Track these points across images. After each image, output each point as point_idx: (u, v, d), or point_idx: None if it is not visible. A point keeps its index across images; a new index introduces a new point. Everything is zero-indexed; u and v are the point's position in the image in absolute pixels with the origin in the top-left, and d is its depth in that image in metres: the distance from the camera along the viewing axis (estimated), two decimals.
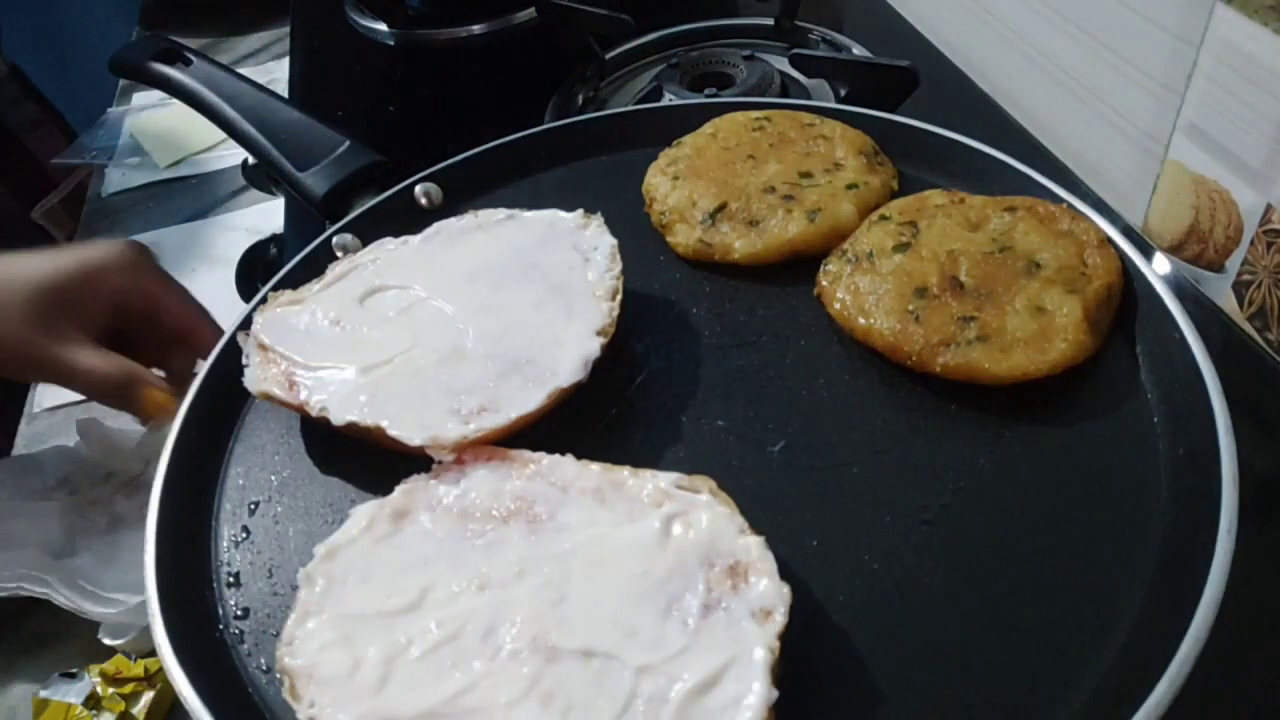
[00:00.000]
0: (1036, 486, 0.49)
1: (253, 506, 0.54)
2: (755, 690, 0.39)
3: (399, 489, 0.49)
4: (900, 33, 1.07)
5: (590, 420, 0.55)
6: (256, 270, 0.91)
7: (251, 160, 0.90)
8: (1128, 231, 0.66)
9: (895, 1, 1.10)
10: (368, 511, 0.48)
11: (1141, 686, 0.38)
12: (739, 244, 0.62)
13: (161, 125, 1.28)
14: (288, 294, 0.60)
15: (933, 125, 0.67)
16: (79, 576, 0.68)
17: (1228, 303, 0.70)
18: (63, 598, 0.67)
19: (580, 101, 0.97)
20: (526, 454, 0.49)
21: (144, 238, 1.11)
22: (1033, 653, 0.43)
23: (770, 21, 1.02)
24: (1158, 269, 0.55)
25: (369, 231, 0.66)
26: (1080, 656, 0.42)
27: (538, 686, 0.40)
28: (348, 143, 0.72)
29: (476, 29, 1.15)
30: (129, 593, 0.67)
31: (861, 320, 0.55)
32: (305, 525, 0.52)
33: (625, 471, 0.48)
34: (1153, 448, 0.49)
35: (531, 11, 1.13)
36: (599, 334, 0.54)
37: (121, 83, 1.37)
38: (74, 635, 0.69)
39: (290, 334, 0.57)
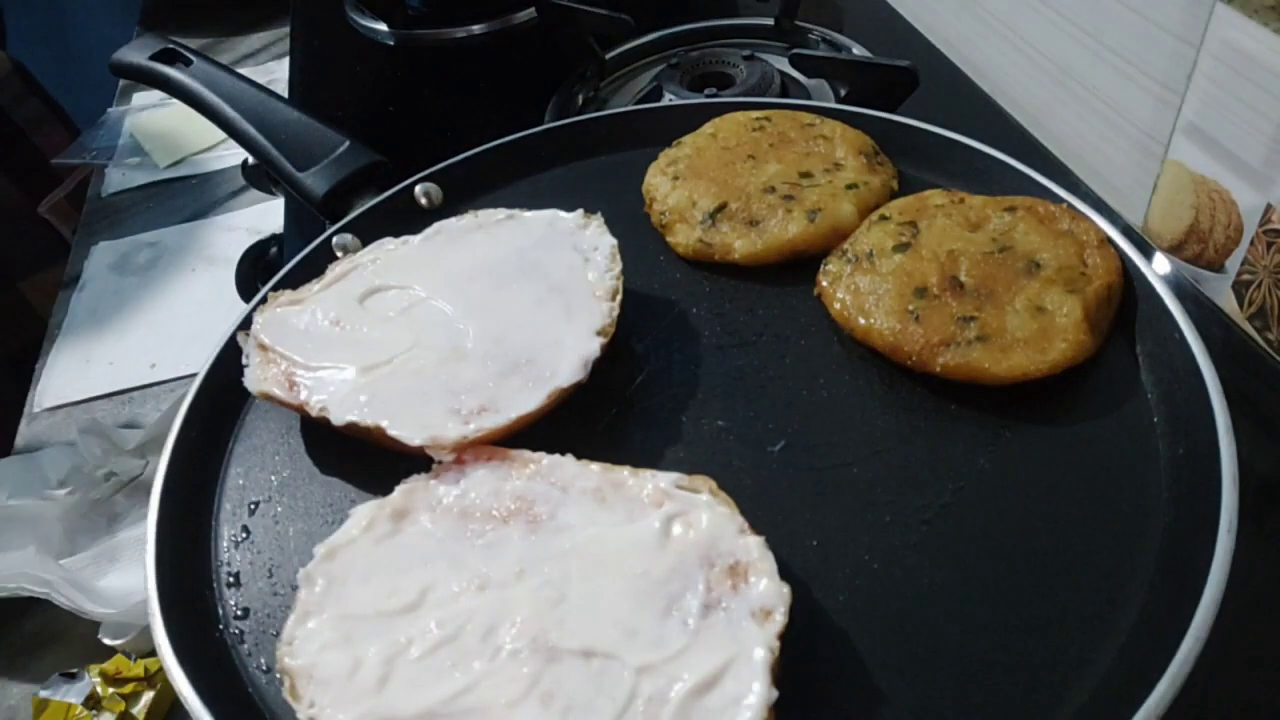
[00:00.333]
0: (1036, 486, 0.49)
1: (253, 506, 0.54)
2: (755, 690, 0.39)
3: (399, 489, 0.49)
4: (900, 33, 1.06)
5: (590, 420, 0.55)
6: (256, 270, 0.91)
7: (251, 160, 0.90)
8: (1128, 231, 0.66)
9: (895, 1, 1.10)
10: (368, 511, 0.48)
11: (1141, 686, 0.38)
12: (739, 244, 0.62)
13: (161, 125, 1.28)
14: (288, 294, 0.60)
15: (933, 125, 0.67)
16: (79, 576, 0.68)
17: (1228, 303, 0.70)
18: (63, 598, 0.67)
19: (580, 101, 0.97)
20: (526, 454, 0.49)
21: (144, 238, 1.12)
22: (1033, 653, 0.43)
23: (770, 21, 1.02)
24: (1158, 269, 0.55)
25: (369, 231, 0.66)
26: (1080, 656, 0.42)
27: (538, 686, 0.40)
28: (348, 143, 0.72)
29: (476, 29, 1.15)
30: (129, 593, 0.67)
31: (861, 320, 0.55)
32: (305, 525, 0.52)
33: (625, 471, 0.48)
34: (1153, 448, 0.49)
35: (531, 11, 1.13)
36: (599, 334, 0.54)
37: (121, 83, 1.37)
38: (74, 635, 0.69)
39: (290, 334, 0.57)
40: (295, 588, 0.46)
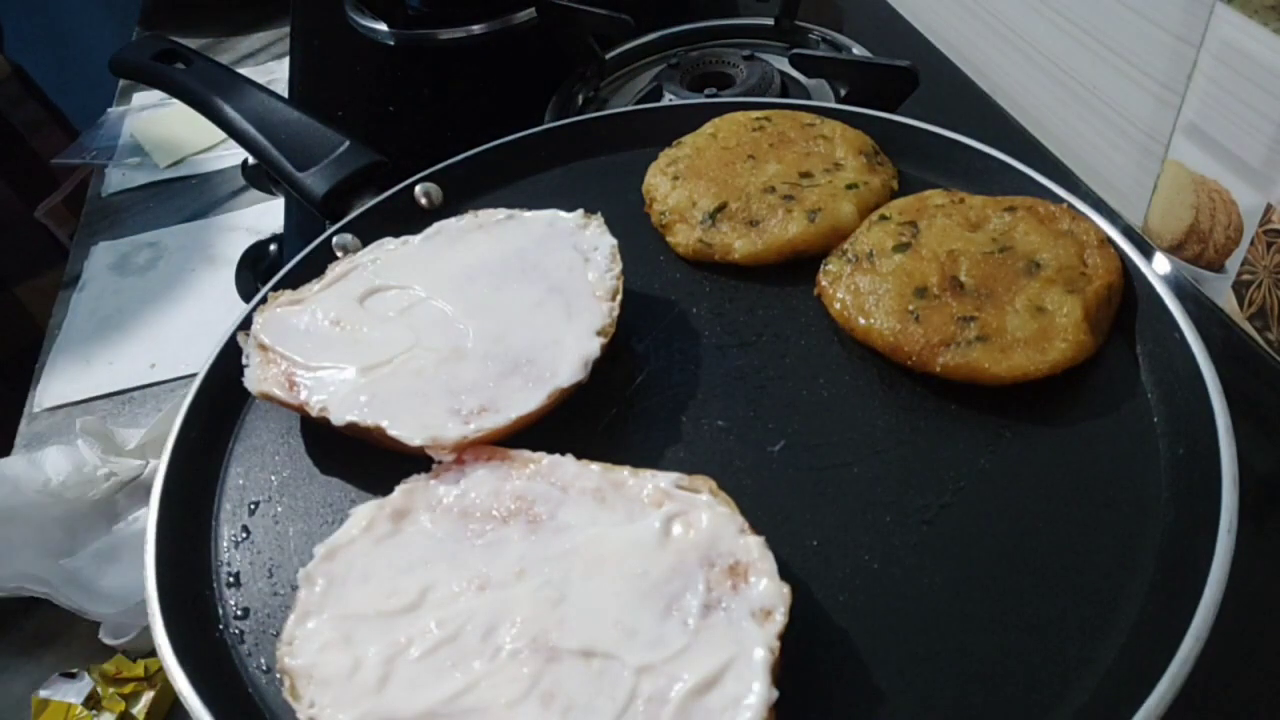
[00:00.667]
0: (1036, 486, 0.49)
1: (253, 506, 0.54)
2: (755, 690, 0.39)
3: (399, 489, 0.49)
4: (900, 33, 1.06)
5: (590, 420, 0.55)
6: (256, 270, 0.91)
7: (251, 160, 0.90)
8: (1128, 231, 0.66)
9: (895, 1, 1.10)
10: (368, 511, 0.48)
11: (1141, 686, 0.38)
12: (739, 244, 0.62)
13: (161, 125, 1.28)
14: (288, 294, 0.60)
15: (933, 125, 0.67)
16: (79, 576, 0.68)
17: (1228, 303, 0.70)
18: (63, 598, 0.67)
19: (580, 101, 0.97)
20: (526, 454, 0.49)
21: (144, 238, 1.12)
22: (1033, 653, 0.43)
23: (770, 21, 1.02)
24: (1158, 269, 0.55)
25: (369, 231, 0.66)
26: (1080, 656, 0.42)
27: (538, 686, 0.40)
28: (348, 143, 0.72)
29: (476, 29, 1.15)
30: (129, 593, 0.67)
31: (861, 320, 0.55)
32: (305, 525, 0.52)
33: (625, 471, 0.48)
34: (1153, 448, 0.49)
35: (531, 11, 1.13)
36: (599, 334, 0.54)
37: (121, 83, 1.37)
38: (74, 635, 0.69)
39: (290, 334, 0.57)
40: (295, 588, 0.46)
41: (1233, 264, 0.69)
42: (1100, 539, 0.46)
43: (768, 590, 0.42)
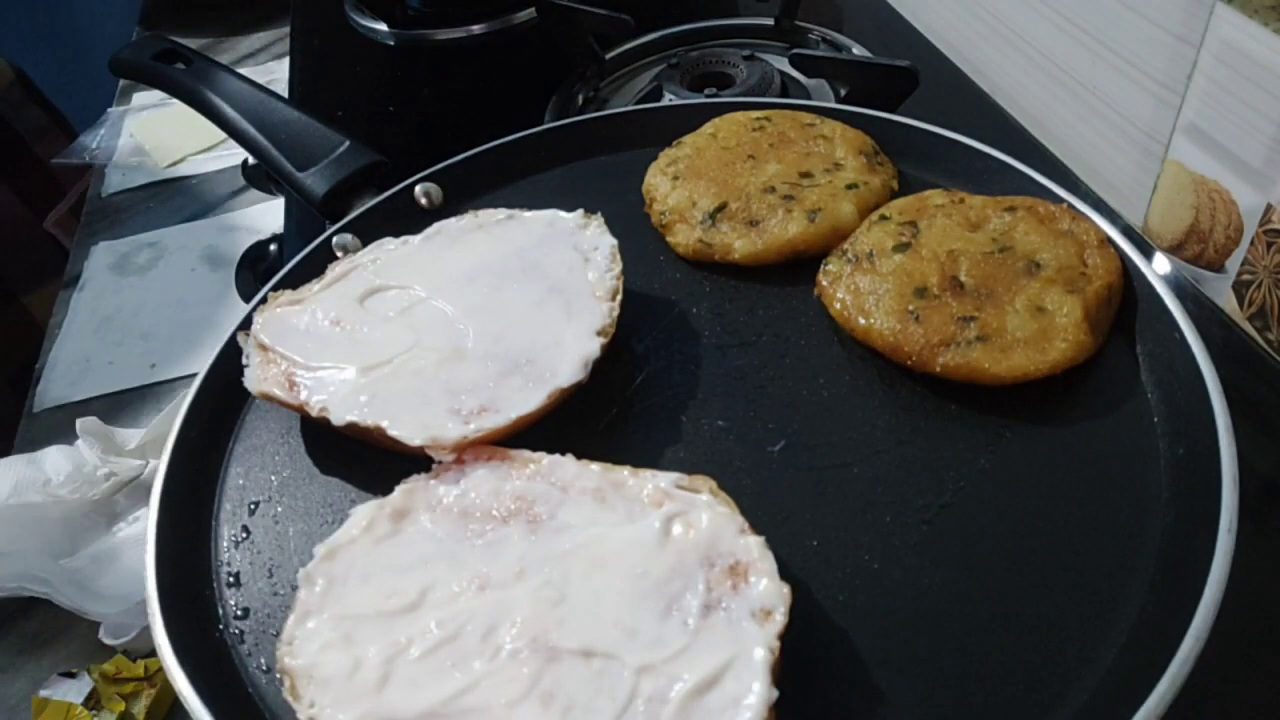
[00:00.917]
0: (1036, 486, 0.49)
1: (253, 506, 0.54)
2: (755, 690, 0.39)
3: (399, 489, 0.49)
4: (900, 33, 1.07)
5: (590, 420, 0.55)
6: (256, 270, 0.91)
7: (251, 160, 0.90)
8: (1128, 231, 0.66)
9: (895, 1, 1.10)
10: (368, 511, 0.48)
11: (1141, 686, 0.38)
12: (739, 244, 0.62)
13: (161, 125, 1.28)
14: (288, 294, 0.60)
15: (933, 125, 0.67)
16: (79, 576, 0.68)
17: (1228, 303, 0.70)
18: (63, 598, 0.67)
19: (580, 101, 0.97)
20: (526, 454, 0.49)
21: (144, 238, 1.12)
22: (1033, 653, 0.43)
23: (770, 21, 1.02)
24: (1158, 269, 0.55)
25: (369, 231, 0.66)
26: (1080, 656, 0.42)
27: (538, 686, 0.40)
28: (348, 143, 0.72)
29: (476, 29, 1.15)
30: (129, 593, 0.67)
31: (861, 320, 0.55)
32: (305, 525, 0.52)
33: (625, 471, 0.48)
34: (1153, 448, 0.49)
35: (531, 11, 1.13)
36: (599, 334, 0.54)
37: (121, 83, 1.37)
38: (74, 635, 0.69)
39: (290, 334, 0.57)
40: (295, 588, 0.46)
41: (1233, 264, 0.69)
42: (1100, 539, 0.46)
43: (768, 590, 0.42)
